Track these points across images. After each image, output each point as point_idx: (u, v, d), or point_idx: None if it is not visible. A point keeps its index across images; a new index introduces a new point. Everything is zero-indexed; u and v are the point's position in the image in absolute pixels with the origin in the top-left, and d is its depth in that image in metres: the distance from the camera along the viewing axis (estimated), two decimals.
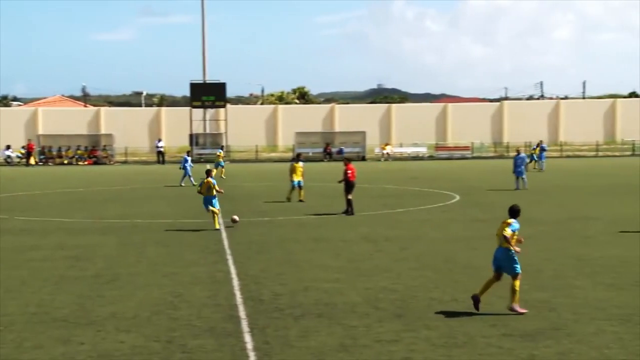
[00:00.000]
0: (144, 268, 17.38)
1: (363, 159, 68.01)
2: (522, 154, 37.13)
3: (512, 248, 12.80)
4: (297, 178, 31.81)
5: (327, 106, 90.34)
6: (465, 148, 70.62)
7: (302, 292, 14.73)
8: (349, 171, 27.11)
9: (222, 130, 73.56)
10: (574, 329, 11.95)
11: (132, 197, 35.29)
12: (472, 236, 21.64)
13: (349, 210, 26.80)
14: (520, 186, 35.79)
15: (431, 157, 68.36)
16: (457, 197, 32.35)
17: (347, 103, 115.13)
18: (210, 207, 23.62)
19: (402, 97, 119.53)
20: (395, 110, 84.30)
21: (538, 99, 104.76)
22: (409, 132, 78.35)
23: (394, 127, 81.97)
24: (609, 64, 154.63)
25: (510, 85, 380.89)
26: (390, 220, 25.38)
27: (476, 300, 12.90)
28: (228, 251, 19.57)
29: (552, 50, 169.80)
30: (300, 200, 31.36)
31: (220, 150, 52.58)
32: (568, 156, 66.93)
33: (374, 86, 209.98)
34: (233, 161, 67.06)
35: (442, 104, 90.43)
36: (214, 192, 23.63)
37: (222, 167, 47.30)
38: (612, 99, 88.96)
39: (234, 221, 24.15)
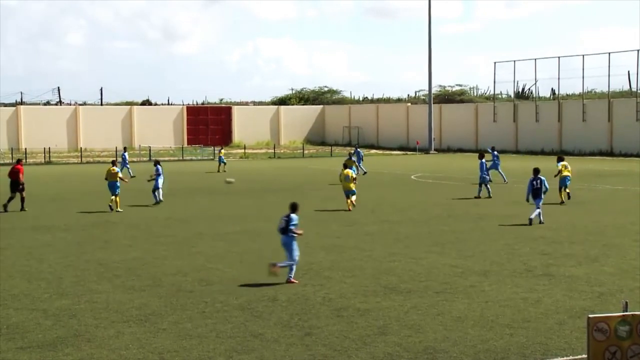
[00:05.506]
0: None
1: None
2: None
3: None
4: None
5: None
6: None
7: None
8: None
9: None
10: (94, 333, 12.01)
11: None
12: None
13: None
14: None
15: None
16: None
17: None
18: None
19: None
20: None
21: (56, 104, 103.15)
22: None
23: None
24: (124, 72, 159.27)
25: (26, 89, 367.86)
26: None
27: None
28: None
29: (67, 56, 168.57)
30: None
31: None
32: (88, 162, 66.99)
33: None
34: None
35: None
36: None
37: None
38: (128, 106, 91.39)
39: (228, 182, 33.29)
